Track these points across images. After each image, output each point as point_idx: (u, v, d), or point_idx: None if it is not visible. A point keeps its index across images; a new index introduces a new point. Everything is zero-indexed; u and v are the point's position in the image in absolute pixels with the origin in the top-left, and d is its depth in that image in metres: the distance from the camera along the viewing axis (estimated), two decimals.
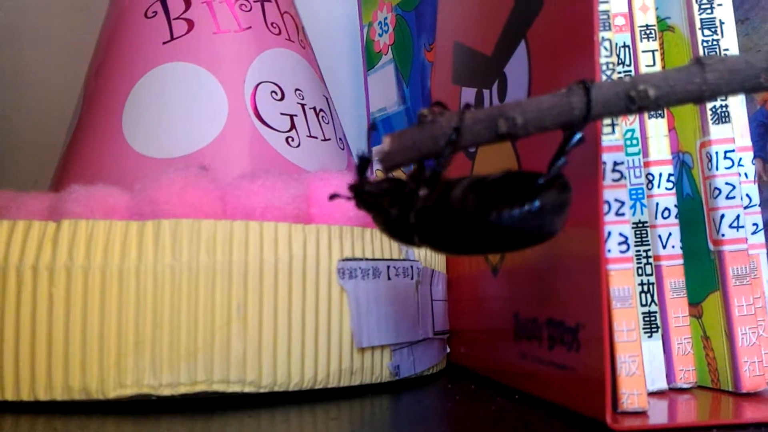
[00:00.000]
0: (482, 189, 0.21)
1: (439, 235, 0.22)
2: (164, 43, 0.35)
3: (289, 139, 0.35)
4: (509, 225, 0.20)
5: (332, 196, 0.23)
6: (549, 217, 0.21)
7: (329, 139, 0.38)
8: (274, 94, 0.36)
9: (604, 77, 0.25)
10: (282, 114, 0.35)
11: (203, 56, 0.35)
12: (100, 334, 0.26)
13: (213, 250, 0.27)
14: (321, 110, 0.38)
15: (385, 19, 0.53)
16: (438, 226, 0.21)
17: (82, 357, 0.26)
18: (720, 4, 0.29)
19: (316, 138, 0.37)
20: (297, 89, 0.37)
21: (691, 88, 0.20)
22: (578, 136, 0.20)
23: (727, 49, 0.28)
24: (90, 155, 0.35)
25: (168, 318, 0.26)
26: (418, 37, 0.50)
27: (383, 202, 0.22)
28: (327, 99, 0.39)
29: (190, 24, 0.35)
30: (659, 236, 0.28)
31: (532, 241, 0.21)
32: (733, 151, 0.28)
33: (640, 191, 0.28)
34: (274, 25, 0.37)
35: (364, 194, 0.22)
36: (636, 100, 0.20)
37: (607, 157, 0.25)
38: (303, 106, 0.37)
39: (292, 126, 0.36)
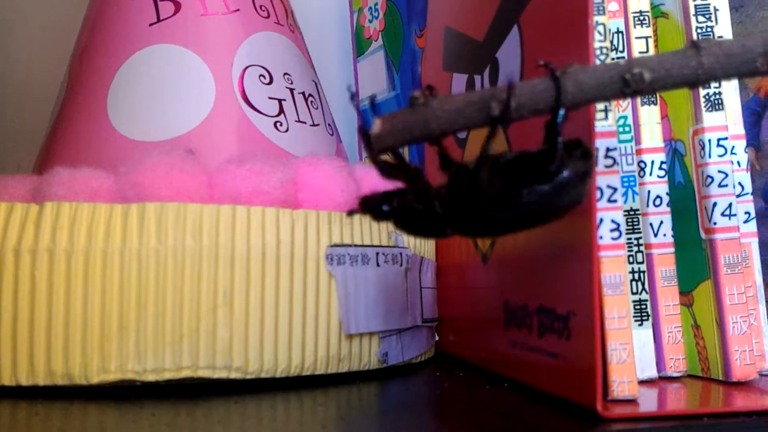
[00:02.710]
0: (506, 169, 0.20)
1: (472, 219, 0.21)
2: (151, 24, 0.35)
3: (278, 124, 0.35)
4: (539, 201, 0.20)
5: (350, 213, 0.23)
6: (576, 188, 0.21)
7: (318, 125, 0.37)
8: (262, 77, 0.35)
9: (597, 62, 0.25)
10: (270, 98, 0.35)
11: (190, 38, 0.34)
12: (83, 319, 0.25)
13: (199, 235, 0.26)
14: (310, 95, 0.37)
15: (376, 4, 0.52)
16: (470, 212, 0.21)
17: (65, 341, 0.25)
18: None
19: (305, 123, 0.36)
20: (286, 73, 0.36)
21: (686, 71, 0.20)
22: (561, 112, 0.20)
23: (721, 37, 0.28)
24: (74, 138, 0.34)
25: (153, 302, 0.26)
26: (408, 23, 0.49)
27: (405, 200, 0.22)
28: (316, 84, 0.39)
29: (177, 5, 0.35)
30: (651, 224, 0.28)
31: (560, 214, 0.21)
32: (726, 138, 0.28)
33: (631, 179, 0.28)
34: (263, 8, 0.37)
35: (378, 204, 0.22)
36: (631, 83, 0.20)
37: (600, 143, 0.24)
38: (292, 90, 0.36)
39: (281, 110, 0.35)
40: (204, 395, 0.26)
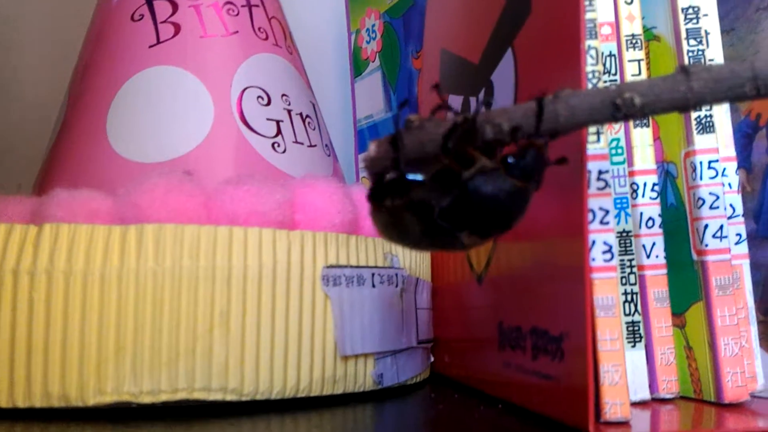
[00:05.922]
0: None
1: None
2: (150, 46, 0.35)
3: (275, 145, 0.35)
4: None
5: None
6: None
7: (315, 146, 0.37)
8: (260, 99, 0.35)
9: (589, 85, 0.25)
10: (268, 119, 0.35)
11: (190, 60, 0.35)
12: (80, 340, 0.25)
13: (196, 256, 0.26)
14: (307, 116, 0.38)
15: (373, 26, 0.53)
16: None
17: (61, 363, 0.25)
18: (706, 15, 0.29)
19: (303, 144, 0.36)
20: (284, 95, 0.37)
21: (676, 96, 0.20)
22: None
23: (712, 59, 0.29)
24: (74, 159, 0.34)
25: (149, 324, 0.26)
26: (405, 45, 0.50)
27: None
28: (314, 105, 0.39)
29: (177, 27, 0.35)
30: (643, 246, 0.28)
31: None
32: (717, 161, 0.28)
33: (624, 200, 0.28)
34: (262, 30, 0.37)
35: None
36: (622, 107, 0.20)
37: (592, 166, 0.25)
38: (289, 111, 0.36)
39: (278, 131, 0.35)
40: (200, 417, 0.26)
